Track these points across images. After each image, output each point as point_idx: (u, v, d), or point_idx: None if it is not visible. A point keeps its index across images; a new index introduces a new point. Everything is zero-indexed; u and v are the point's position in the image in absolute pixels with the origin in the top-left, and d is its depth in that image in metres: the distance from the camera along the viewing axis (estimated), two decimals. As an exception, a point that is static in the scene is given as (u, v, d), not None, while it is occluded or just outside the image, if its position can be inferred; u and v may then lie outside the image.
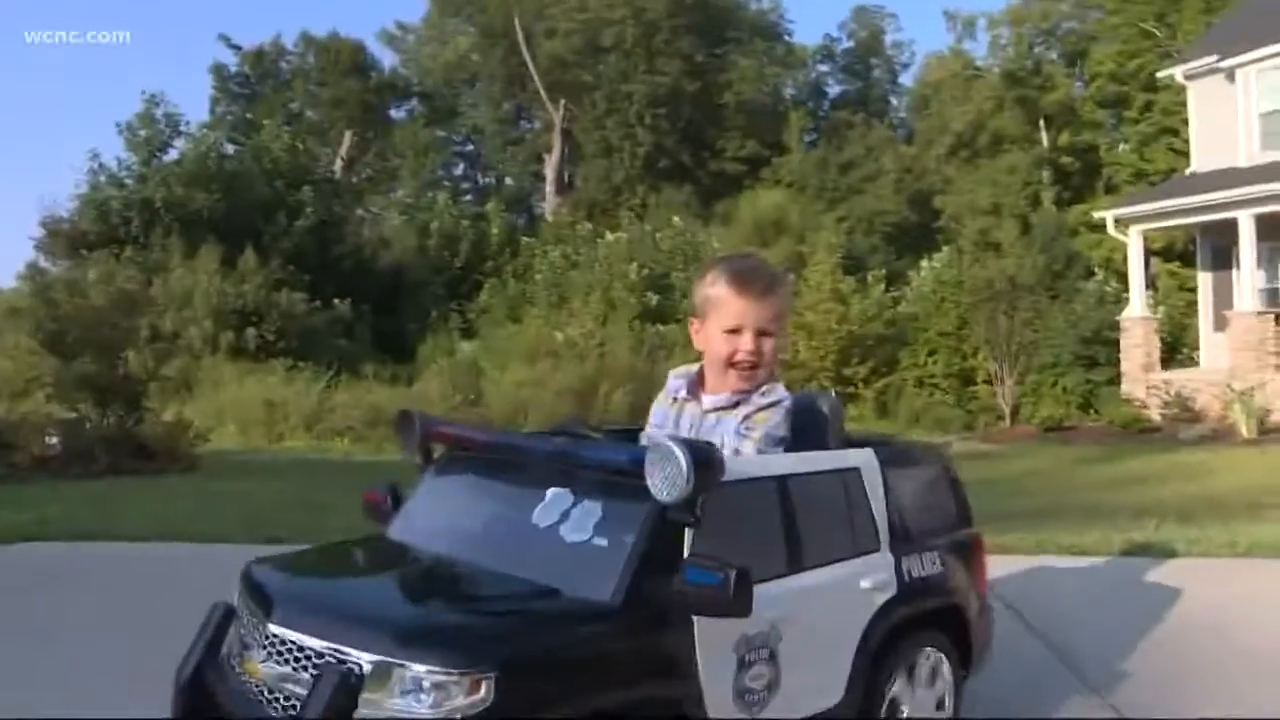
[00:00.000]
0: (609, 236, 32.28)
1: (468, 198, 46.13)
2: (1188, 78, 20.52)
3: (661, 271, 28.68)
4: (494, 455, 3.30)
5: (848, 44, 50.21)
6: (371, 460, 13.90)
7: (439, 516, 3.20)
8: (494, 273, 33.07)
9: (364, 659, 2.40)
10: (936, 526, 3.57)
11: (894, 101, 51.02)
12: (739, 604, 2.50)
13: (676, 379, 3.21)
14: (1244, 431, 15.57)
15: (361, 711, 2.36)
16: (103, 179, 27.67)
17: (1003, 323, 20.39)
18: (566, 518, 2.79)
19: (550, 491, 2.86)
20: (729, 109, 43.61)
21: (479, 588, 2.80)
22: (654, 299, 27.06)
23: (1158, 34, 32.74)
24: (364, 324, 27.64)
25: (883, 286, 26.94)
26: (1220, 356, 18.89)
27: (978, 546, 3.80)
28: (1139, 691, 4.34)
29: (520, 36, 43.08)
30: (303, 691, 2.46)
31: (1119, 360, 19.67)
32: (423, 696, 2.33)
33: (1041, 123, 37.85)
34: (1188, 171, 21.19)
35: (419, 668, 2.35)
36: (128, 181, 27.43)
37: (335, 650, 2.46)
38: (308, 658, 2.52)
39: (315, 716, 2.34)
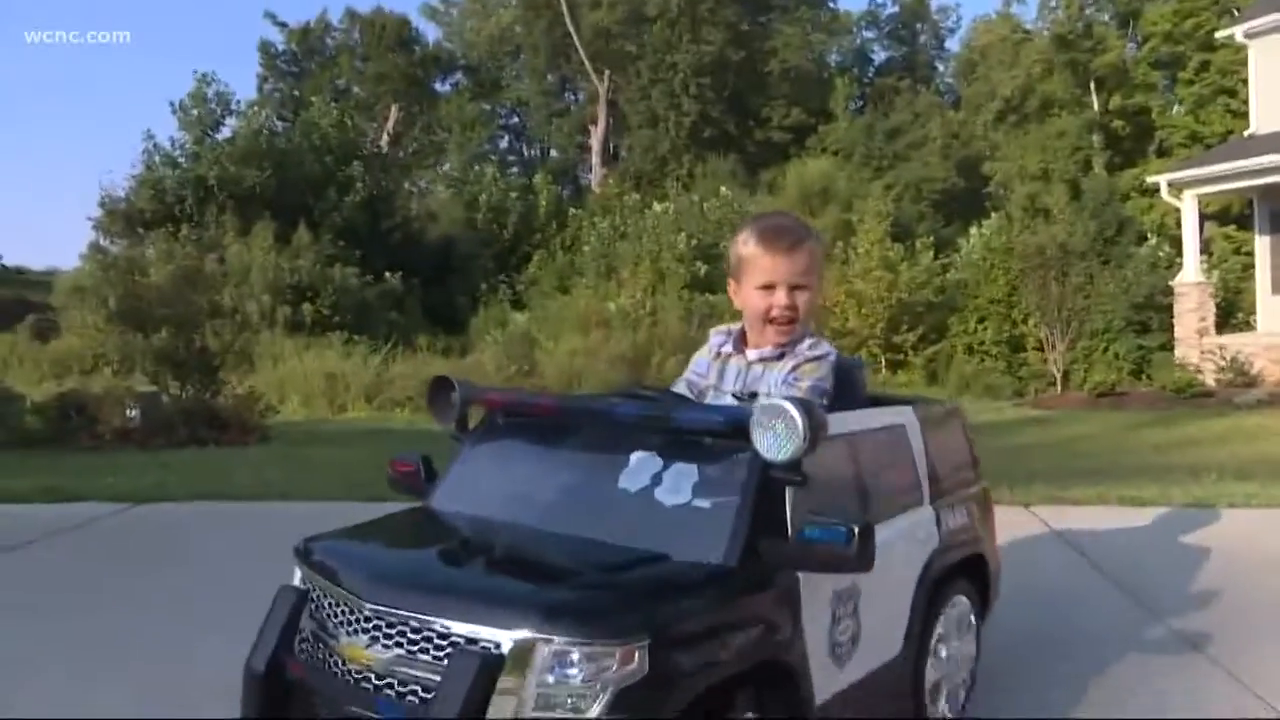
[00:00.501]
0: (656, 207, 32.34)
1: (514, 170, 46.36)
2: (1248, 36, 20.21)
3: (710, 241, 28.73)
4: (565, 420, 3.12)
5: (893, 9, 49.90)
6: (434, 429, 14.14)
7: (499, 485, 3.04)
8: (542, 244, 33.26)
9: (505, 637, 2.30)
10: (960, 480, 3.72)
11: (940, 67, 50.64)
12: (863, 559, 2.47)
13: (719, 335, 3.26)
14: (1301, 395, 15.50)
15: (504, 689, 2.28)
16: (158, 159, 28.21)
17: (1054, 289, 20.30)
18: (659, 481, 2.72)
19: (635, 456, 2.79)
20: (774, 77, 43.45)
21: (592, 556, 2.60)
22: (702, 268, 27.15)
23: (1215, -8, 32.18)
24: (414, 297, 28.02)
25: (931, 254, 26.85)
26: (1278, 320, 18.74)
27: (989, 498, 3.97)
28: (1205, 618, 4.62)
29: (564, 7, 43.11)
30: (421, 674, 2.38)
31: (1172, 326, 19.57)
32: (573, 671, 2.26)
33: (1092, 86, 37.37)
34: (1246, 133, 20.92)
35: (570, 642, 2.26)
36: (181, 161, 27.94)
37: (469, 629, 2.34)
38: (426, 639, 2.39)
39: (460, 700, 2.24)
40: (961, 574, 3.59)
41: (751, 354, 3.14)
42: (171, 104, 28.89)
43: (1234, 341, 18.60)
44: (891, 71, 47.62)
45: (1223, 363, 17.59)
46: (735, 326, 3.24)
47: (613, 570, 2.52)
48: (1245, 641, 4.34)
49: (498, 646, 2.30)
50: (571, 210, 35.73)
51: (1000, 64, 40.68)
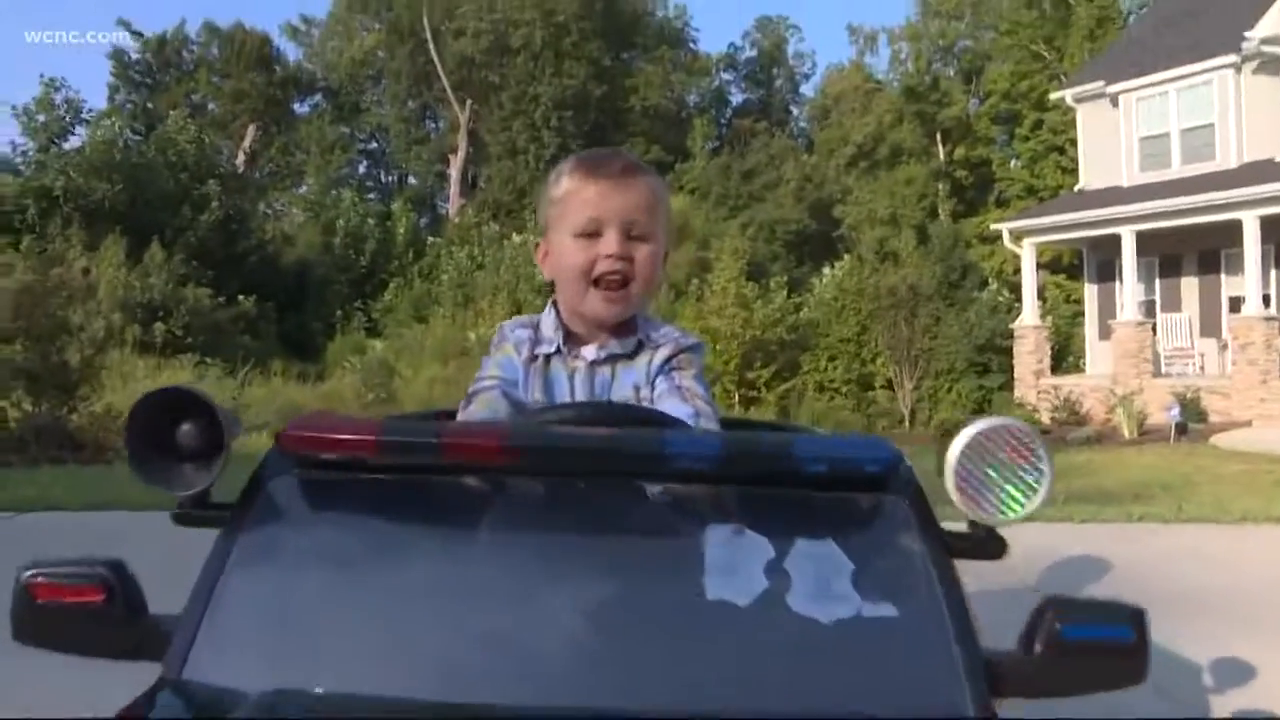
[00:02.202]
0: (515, 238, 32.46)
1: (372, 196, 45.86)
2: (1077, 100, 21.66)
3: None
4: (525, 468, 1.53)
5: (751, 53, 51.26)
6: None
7: (367, 623, 1.45)
8: (399, 272, 33.02)
9: None
10: None
11: (795, 111, 52.23)
12: (1141, 665, 1.51)
13: (520, 328, 2.04)
14: (1126, 433, 16.57)
15: None
16: (-5, 165, 27.04)
17: (902, 329, 21.24)
18: (785, 576, 1.43)
19: (717, 533, 1.47)
20: (634, 114, 44.16)
21: None
22: (562, 301, 27.35)
23: (1046, 57, 34.24)
24: (269, 321, 27.44)
25: (785, 293, 27.62)
26: (1104, 363, 20.03)
27: None
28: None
29: (428, 35, 43.01)
30: None
31: (1011, 367, 20.70)
32: None
33: (938, 137, 39.22)
34: (1076, 188, 22.34)
35: None
36: (23, 168, 26.80)
37: None
38: None
39: None
40: None
41: (590, 352, 1.97)
42: (14, 108, 27.73)
43: (1066, 383, 19.78)
44: (748, 114, 48.91)
45: (1057, 402, 18.66)
46: (537, 318, 2.07)
47: None
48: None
49: None
50: (430, 239, 35.59)
51: (852, 111, 42.31)
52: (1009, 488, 1.52)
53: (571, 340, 1.99)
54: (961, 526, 1.59)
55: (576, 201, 1.95)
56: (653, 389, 1.94)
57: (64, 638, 1.50)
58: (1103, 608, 1.56)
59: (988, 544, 1.61)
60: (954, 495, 1.52)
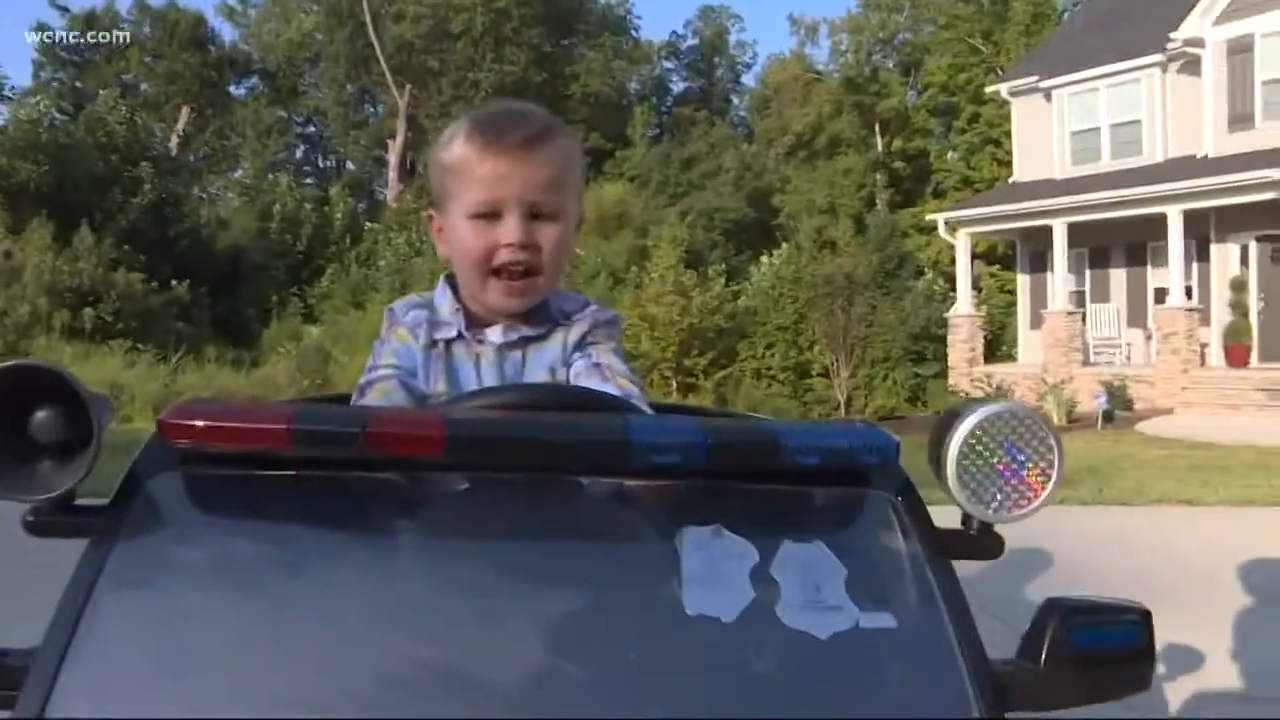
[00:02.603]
0: (455, 224, 32.31)
1: (309, 180, 45.29)
2: (1011, 94, 22.04)
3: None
4: (460, 463, 1.25)
5: (692, 41, 51.38)
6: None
7: (289, 649, 1.17)
8: (336, 258, 32.70)
9: None
10: None
11: (735, 100, 52.44)
12: (1148, 671, 1.42)
13: (414, 309, 1.74)
14: (1055, 420, 16.89)
15: None
16: (-89, 143, 26.33)
17: (839, 318, 21.47)
18: (771, 583, 1.23)
19: (694, 536, 1.25)
20: (574, 100, 44.02)
21: None
22: (501, 287, 27.26)
23: (984, 51, 34.72)
24: (203, 306, 27.00)
25: (723, 281, 27.77)
26: (1035, 352, 20.45)
27: None
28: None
29: (368, 18, 42.54)
30: None
31: (945, 355, 21.04)
32: None
33: (876, 128, 39.60)
34: (1010, 181, 22.74)
35: None
36: (-60, 147, 26.13)
37: None
38: None
39: None
40: None
41: (495, 335, 1.70)
42: (-66, 83, 27.05)
43: (999, 371, 20.18)
44: (689, 102, 49.00)
45: (990, 390, 19.01)
46: (429, 295, 1.78)
47: None
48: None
49: None
50: (367, 225, 35.28)
51: (792, 101, 42.55)
52: (1016, 481, 1.32)
53: (474, 323, 1.71)
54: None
55: (471, 178, 1.65)
56: (568, 369, 1.71)
57: None
58: (1111, 610, 1.41)
59: (986, 542, 1.40)
60: (954, 490, 1.33)
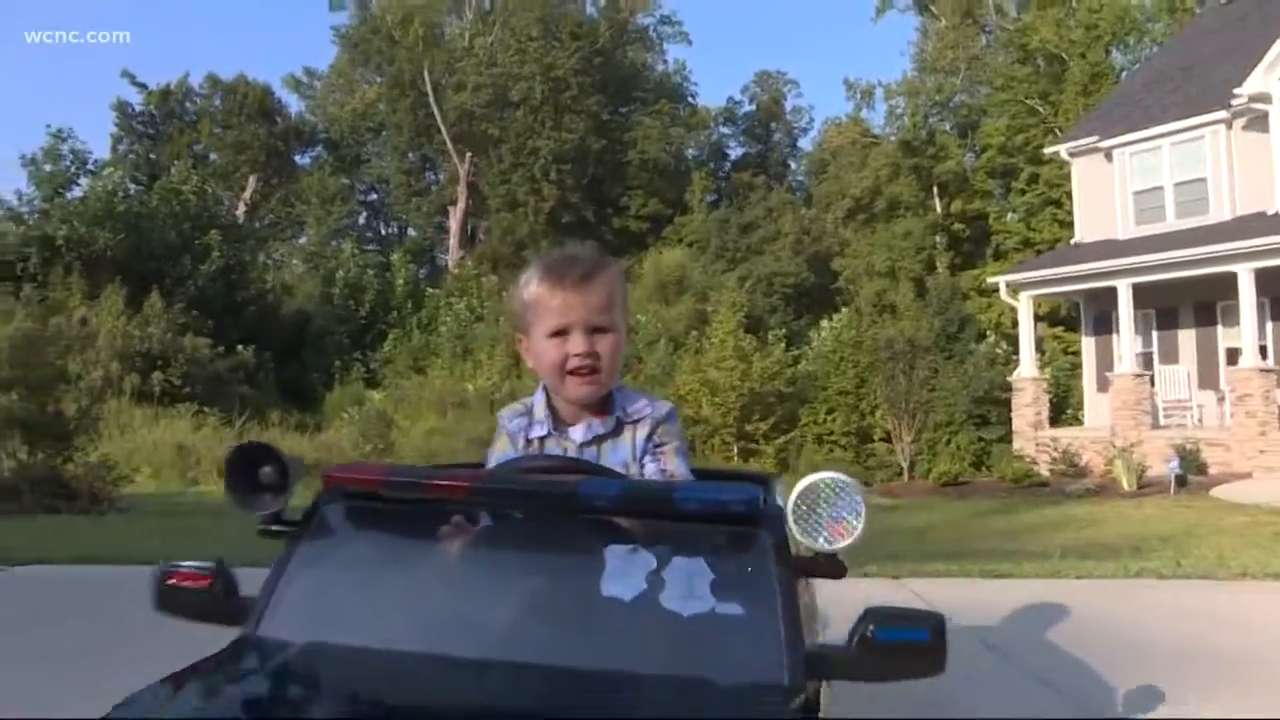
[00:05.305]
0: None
1: (371, 247, 46.07)
2: (1071, 154, 21.85)
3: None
4: (481, 504, 2.20)
5: (749, 107, 51.77)
6: (294, 505, 13.88)
7: (379, 601, 2.19)
8: (398, 323, 33.15)
9: None
10: None
11: (792, 165, 52.61)
12: (941, 660, 1.99)
13: (515, 417, 2.47)
14: (1125, 485, 16.51)
15: None
16: (0, 212, 27.22)
17: (901, 382, 21.26)
18: (661, 584, 2.03)
19: (614, 551, 2.08)
20: (633, 167, 44.48)
21: (628, 689, 1.95)
22: (560, 352, 27.35)
23: (1041, 111, 34.55)
24: (267, 371, 27.47)
25: (783, 345, 27.69)
26: (1102, 415, 20.01)
27: None
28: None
29: (429, 88, 43.44)
30: None
31: (1009, 419, 20.68)
32: None
33: (935, 190, 39.45)
34: (1073, 241, 22.45)
35: None
36: (26, 217, 26.96)
37: None
38: None
39: None
40: None
41: (578, 434, 2.39)
42: (22, 157, 27.98)
43: (1065, 435, 19.76)
44: (746, 167, 49.25)
45: (1055, 454, 18.63)
46: (529, 402, 2.49)
47: (689, 702, 1.92)
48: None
49: None
50: (428, 290, 35.75)
51: (850, 165, 42.60)
52: (834, 524, 2.01)
53: (560, 422, 2.41)
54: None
55: (544, 309, 2.36)
56: (641, 468, 2.38)
57: (185, 609, 2.20)
58: (906, 615, 2.03)
59: (829, 566, 2.07)
60: (793, 529, 2.01)
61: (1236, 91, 17.98)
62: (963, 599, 6.95)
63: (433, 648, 2.00)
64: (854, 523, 2.00)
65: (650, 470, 2.36)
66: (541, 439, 2.40)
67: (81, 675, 4.88)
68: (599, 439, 2.39)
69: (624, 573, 2.06)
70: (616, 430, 2.40)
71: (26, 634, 5.68)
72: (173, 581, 2.21)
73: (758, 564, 2.08)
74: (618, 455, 2.38)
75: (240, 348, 26.16)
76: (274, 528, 2.26)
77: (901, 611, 2.02)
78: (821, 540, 2.01)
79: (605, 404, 2.39)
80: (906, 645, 1.99)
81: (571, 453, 2.36)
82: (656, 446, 2.40)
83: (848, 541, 2.01)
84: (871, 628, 1.96)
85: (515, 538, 2.22)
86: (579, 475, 2.18)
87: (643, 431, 2.40)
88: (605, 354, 2.36)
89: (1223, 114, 18.50)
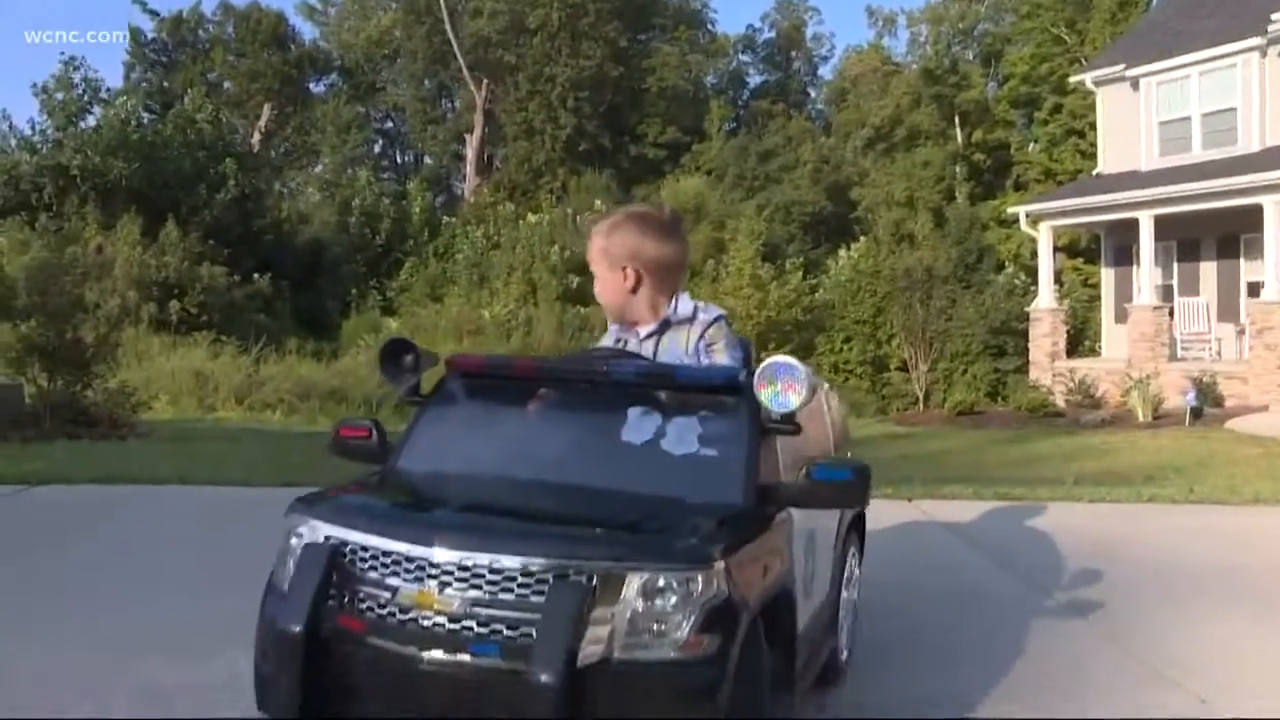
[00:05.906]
0: (530, 218, 32.49)
1: (387, 175, 45.87)
2: (1096, 84, 21.45)
3: (582, 254, 28.92)
4: (546, 382, 3.26)
5: (769, 34, 50.99)
6: (312, 430, 14.03)
7: (481, 445, 3.13)
8: (414, 251, 33.08)
9: (595, 569, 2.45)
10: (845, 445, 4.41)
11: (812, 93, 51.95)
12: (863, 495, 2.92)
13: (614, 325, 3.36)
14: (1140, 416, 16.47)
15: (597, 617, 2.44)
16: (14, 143, 27.12)
17: (918, 311, 21.16)
18: (663, 434, 2.94)
19: (633, 411, 2.98)
20: (651, 95, 43.98)
21: (631, 499, 2.81)
22: (575, 281, 27.36)
23: (1067, 40, 33.92)
24: (284, 299, 27.50)
25: (800, 274, 27.56)
26: (1120, 347, 19.89)
27: None
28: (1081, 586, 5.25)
29: (445, 14, 42.89)
30: (504, 613, 2.48)
31: (1026, 349, 20.59)
32: (663, 597, 2.44)
33: (956, 120, 38.94)
34: (1094, 173, 22.16)
35: (662, 569, 2.45)
36: (40, 147, 26.88)
37: (557, 565, 2.48)
38: (508, 578, 2.49)
39: (566, 627, 2.38)
40: (855, 531, 4.14)
41: (642, 330, 3.24)
42: (34, 85, 27.81)
43: (1081, 366, 19.67)
44: (766, 95, 48.67)
45: (1072, 385, 18.57)
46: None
47: (665, 508, 2.78)
48: (1114, 601, 4.85)
49: (590, 579, 2.45)
50: (445, 218, 35.62)
51: (870, 94, 42.05)
52: (781, 397, 2.82)
53: (630, 325, 3.28)
54: None
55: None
56: (697, 361, 3.19)
57: (351, 452, 3.30)
58: (837, 462, 3.16)
59: (785, 426, 2.91)
60: (760, 397, 2.82)
61: (1274, 17, 17.52)
62: (976, 519, 7.08)
63: (507, 473, 3.00)
64: (799, 394, 2.79)
65: (704, 363, 3.17)
66: (625, 338, 3.29)
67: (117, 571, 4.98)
68: (652, 335, 3.23)
69: (638, 426, 2.97)
70: (663, 328, 3.22)
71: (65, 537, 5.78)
72: (341, 436, 3.32)
73: (733, 422, 2.95)
74: (673, 350, 3.20)
75: (256, 276, 26.17)
76: (412, 399, 3.26)
77: (833, 459, 3.05)
78: (776, 405, 2.81)
79: (657, 311, 3.24)
80: (834, 482, 2.88)
81: (633, 345, 3.22)
82: (709, 346, 3.19)
83: (797, 402, 2.80)
84: (809, 469, 2.88)
85: (567, 402, 3.18)
86: (617, 359, 3.15)
87: (695, 333, 3.20)
88: (598, 291, 3.35)
89: (1258, 40, 18.06)
